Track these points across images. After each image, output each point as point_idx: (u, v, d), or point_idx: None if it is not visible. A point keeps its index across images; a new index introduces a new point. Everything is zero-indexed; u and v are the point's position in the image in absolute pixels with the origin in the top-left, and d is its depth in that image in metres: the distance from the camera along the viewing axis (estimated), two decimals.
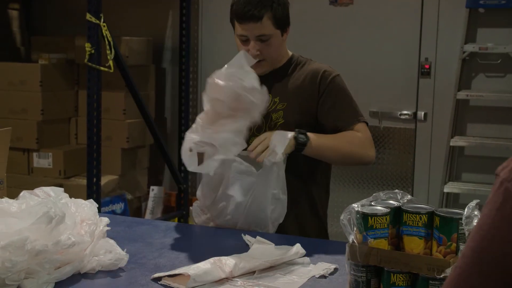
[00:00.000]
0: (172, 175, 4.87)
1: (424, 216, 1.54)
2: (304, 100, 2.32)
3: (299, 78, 2.35)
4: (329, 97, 2.30)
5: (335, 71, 2.36)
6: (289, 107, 2.31)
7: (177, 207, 4.98)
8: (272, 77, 2.36)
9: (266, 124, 2.31)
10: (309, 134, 2.19)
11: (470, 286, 1.03)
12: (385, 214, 1.54)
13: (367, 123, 2.34)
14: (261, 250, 1.91)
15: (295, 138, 2.16)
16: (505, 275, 1.00)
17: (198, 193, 2.27)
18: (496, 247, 1.00)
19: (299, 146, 2.17)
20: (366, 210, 1.54)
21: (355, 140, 2.27)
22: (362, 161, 2.31)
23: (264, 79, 2.31)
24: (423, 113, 4.45)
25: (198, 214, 2.32)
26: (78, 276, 1.73)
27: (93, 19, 3.97)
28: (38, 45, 5.05)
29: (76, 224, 1.77)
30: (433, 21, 4.38)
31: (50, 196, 1.83)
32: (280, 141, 2.12)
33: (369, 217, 1.52)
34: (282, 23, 2.29)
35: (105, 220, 1.89)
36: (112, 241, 1.85)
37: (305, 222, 2.36)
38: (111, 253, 1.79)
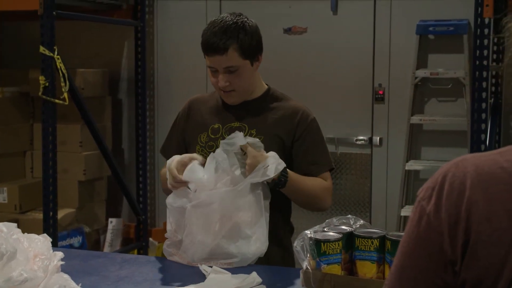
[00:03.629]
0: (131, 206, 4.83)
1: (375, 240, 1.56)
2: (281, 135, 2.31)
3: (276, 113, 2.34)
4: (306, 140, 2.32)
5: (312, 113, 2.38)
6: (267, 140, 2.25)
7: (136, 239, 4.93)
8: (248, 108, 2.35)
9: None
10: (289, 173, 2.16)
11: None
12: (338, 240, 1.56)
13: (333, 168, 2.38)
14: (218, 279, 1.91)
15: (279, 174, 2.12)
16: None
17: (168, 227, 2.18)
18: (414, 263, 1.04)
19: (276, 185, 2.14)
20: (319, 236, 1.56)
21: (321, 189, 2.29)
22: (319, 208, 2.34)
23: (237, 109, 2.33)
24: (378, 138, 4.52)
25: (170, 254, 2.20)
26: None
27: (47, 52, 3.95)
28: None
29: (29, 259, 1.75)
30: (385, 48, 4.47)
31: (2, 232, 1.80)
32: (274, 164, 2.09)
33: (322, 243, 1.54)
34: (251, 53, 2.25)
35: (59, 254, 1.86)
36: (66, 276, 1.82)
37: (269, 251, 2.20)
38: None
